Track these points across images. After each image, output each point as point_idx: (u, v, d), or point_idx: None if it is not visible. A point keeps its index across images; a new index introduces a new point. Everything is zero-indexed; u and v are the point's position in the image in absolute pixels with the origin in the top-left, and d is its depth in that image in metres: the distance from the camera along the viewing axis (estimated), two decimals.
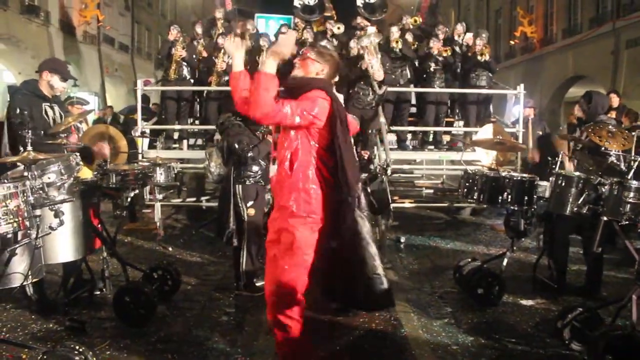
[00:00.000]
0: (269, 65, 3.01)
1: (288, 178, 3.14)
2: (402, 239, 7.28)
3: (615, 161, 4.44)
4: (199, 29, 9.41)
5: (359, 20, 9.57)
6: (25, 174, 3.23)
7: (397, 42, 8.57)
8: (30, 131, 3.55)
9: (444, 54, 8.91)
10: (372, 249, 4.04)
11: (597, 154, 4.60)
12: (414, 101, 9.50)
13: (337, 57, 3.43)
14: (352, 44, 8.36)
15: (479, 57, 8.84)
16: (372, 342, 4.12)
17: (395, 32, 8.85)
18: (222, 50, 8.88)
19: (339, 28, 9.01)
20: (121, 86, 27.68)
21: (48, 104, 4.59)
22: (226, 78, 8.94)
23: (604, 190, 4.10)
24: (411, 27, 9.87)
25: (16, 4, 18.75)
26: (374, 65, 7.44)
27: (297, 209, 3.11)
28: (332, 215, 3.17)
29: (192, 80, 9.17)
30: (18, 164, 3.60)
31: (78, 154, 3.97)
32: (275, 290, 3.14)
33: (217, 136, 7.75)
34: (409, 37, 9.27)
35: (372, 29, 8.35)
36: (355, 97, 8.02)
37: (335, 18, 10.32)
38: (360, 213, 4.03)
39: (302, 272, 3.13)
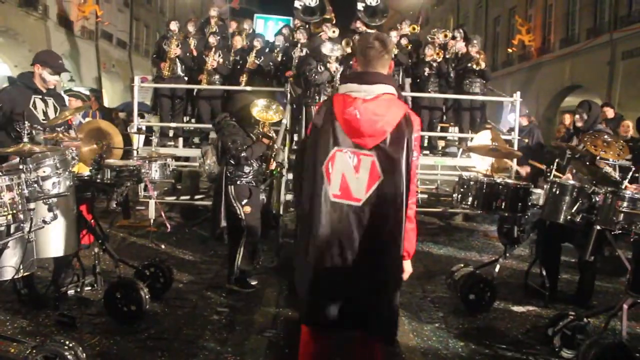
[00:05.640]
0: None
1: None
2: None
3: (609, 170, 4.46)
4: (190, 27, 9.40)
5: (358, 24, 9.57)
6: (21, 166, 3.21)
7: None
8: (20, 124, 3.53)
9: (437, 59, 8.93)
10: None
11: (594, 163, 4.62)
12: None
13: None
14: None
15: (475, 67, 8.86)
16: None
17: (393, 36, 8.88)
18: (213, 49, 8.88)
19: (334, 32, 9.02)
20: (118, 83, 27.58)
21: (40, 96, 4.55)
22: (216, 76, 8.93)
23: (597, 199, 4.12)
24: (409, 33, 9.89)
25: None
26: None
27: None
28: None
29: (186, 78, 9.16)
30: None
31: (74, 148, 3.95)
32: None
33: (212, 135, 7.73)
34: (404, 41, 9.29)
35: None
36: None
37: (334, 21, 10.32)
38: None
39: None
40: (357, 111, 2.68)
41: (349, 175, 2.72)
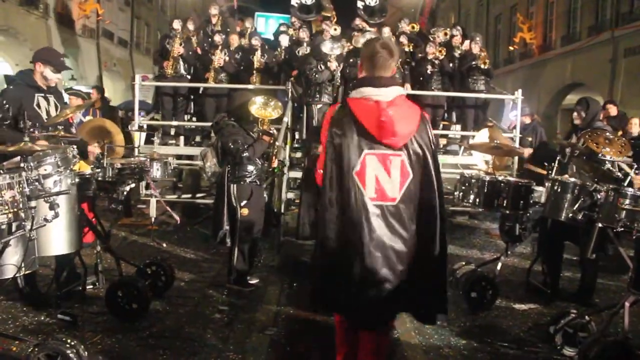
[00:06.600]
0: None
1: None
2: None
3: (611, 168, 4.45)
4: (190, 26, 9.39)
5: (358, 22, 9.57)
6: (22, 164, 3.20)
7: None
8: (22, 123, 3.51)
9: (440, 56, 8.91)
10: None
11: (594, 160, 4.60)
12: None
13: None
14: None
15: (482, 65, 8.84)
16: None
17: (386, 32, 8.86)
18: (219, 47, 8.88)
19: (335, 30, 9.02)
20: (119, 81, 27.56)
21: (42, 95, 4.52)
22: (223, 74, 8.94)
23: (599, 196, 4.11)
24: (409, 31, 9.85)
25: None
26: None
27: None
28: None
29: (188, 77, 9.15)
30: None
31: (75, 146, 3.94)
32: None
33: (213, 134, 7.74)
34: (403, 39, 9.27)
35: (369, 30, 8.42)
36: None
37: (335, 19, 10.30)
38: None
39: None
40: (386, 114, 2.74)
41: (381, 177, 2.78)
